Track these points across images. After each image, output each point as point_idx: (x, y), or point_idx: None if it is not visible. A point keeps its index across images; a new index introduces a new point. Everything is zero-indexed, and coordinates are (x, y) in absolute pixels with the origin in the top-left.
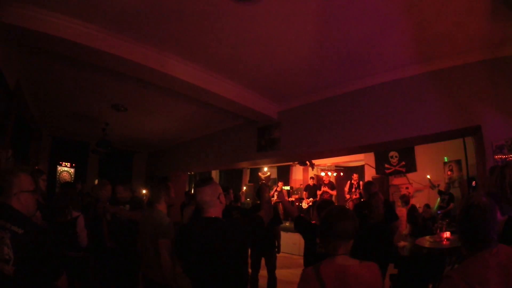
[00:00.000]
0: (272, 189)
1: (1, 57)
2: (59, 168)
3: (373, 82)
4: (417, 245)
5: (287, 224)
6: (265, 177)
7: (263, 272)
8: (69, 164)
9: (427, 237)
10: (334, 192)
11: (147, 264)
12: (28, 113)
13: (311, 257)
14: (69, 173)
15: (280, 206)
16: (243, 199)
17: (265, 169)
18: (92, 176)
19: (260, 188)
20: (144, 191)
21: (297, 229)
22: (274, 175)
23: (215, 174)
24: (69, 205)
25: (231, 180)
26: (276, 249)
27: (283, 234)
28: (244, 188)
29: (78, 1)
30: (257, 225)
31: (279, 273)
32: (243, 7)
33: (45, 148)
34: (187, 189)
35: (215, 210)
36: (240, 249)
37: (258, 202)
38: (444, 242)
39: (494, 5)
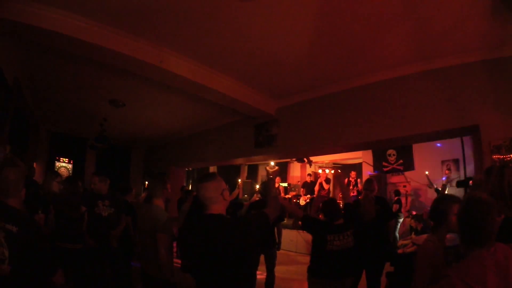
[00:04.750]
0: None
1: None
2: (57, 164)
3: (372, 79)
4: None
5: (285, 221)
6: (273, 172)
7: (262, 269)
8: (67, 159)
9: (424, 235)
10: (327, 186)
11: (146, 259)
12: (27, 108)
13: (322, 253)
14: (67, 169)
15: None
16: (240, 195)
17: (272, 163)
18: (90, 171)
19: (267, 183)
20: (146, 183)
21: (306, 228)
22: None
23: (212, 170)
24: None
25: (229, 176)
26: (277, 246)
27: None
28: (240, 180)
29: None
30: (262, 222)
31: (276, 269)
32: (240, 3)
33: (43, 143)
34: (184, 184)
35: (218, 207)
36: (245, 247)
37: (260, 198)
38: None
39: (493, 5)
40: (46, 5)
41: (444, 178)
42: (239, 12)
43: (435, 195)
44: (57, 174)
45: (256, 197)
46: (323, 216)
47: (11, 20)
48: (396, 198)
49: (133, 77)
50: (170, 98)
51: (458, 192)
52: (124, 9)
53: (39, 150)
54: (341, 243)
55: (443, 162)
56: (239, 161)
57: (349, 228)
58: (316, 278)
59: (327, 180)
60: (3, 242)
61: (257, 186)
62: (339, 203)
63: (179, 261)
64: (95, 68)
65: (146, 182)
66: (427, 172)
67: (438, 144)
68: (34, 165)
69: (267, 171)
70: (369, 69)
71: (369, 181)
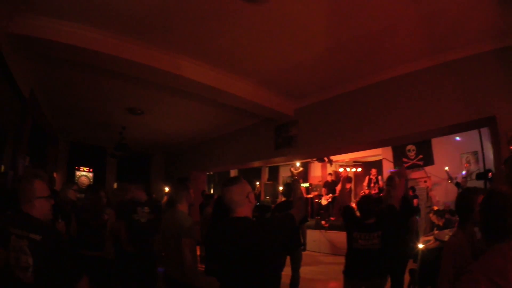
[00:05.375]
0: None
1: (15, 67)
2: (78, 173)
3: (387, 76)
4: None
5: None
6: (298, 173)
7: (287, 270)
8: (87, 168)
9: (447, 231)
10: (349, 185)
11: (170, 264)
12: (44, 120)
13: (350, 251)
14: (88, 178)
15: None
16: (262, 196)
17: (298, 163)
18: (111, 179)
19: (292, 184)
20: (166, 189)
21: (343, 218)
22: None
23: (233, 173)
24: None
25: (250, 179)
26: (302, 247)
27: None
28: (258, 183)
29: (89, 9)
30: (288, 224)
31: (300, 270)
32: (253, 7)
33: (63, 153)
34: (205, 189)
35: (244, 210)
36: (271, 248)
37: (284, 199)
38: None
39: None
40: (59, 19)
41: (463, 173)
42: (253, 16)
43: (455, 189)
44: (73, 182)
45: (282, 198)
46: (358, 213)
47: (24, 36)
48: (413, 194)
49: (150, 85)
50: (188, 103)
51: (478, 184)
52: (137, 19)
53: (59, 160)
54: (365, 242)
55: (462, 155)
56: (259, 163)
57: (379, 229)
58: (347, 279)
59: (349, 179)
60: (27, 251)
61: (280, 188)
62: (373, 202)
63: (203, 265)
64: (112, 77)
65: (166, 188)
66: (446, 168)
67: (457, 138)
68: (54, 175)
69: (292, 172)
70: (384, 65)
71: (391, 177)
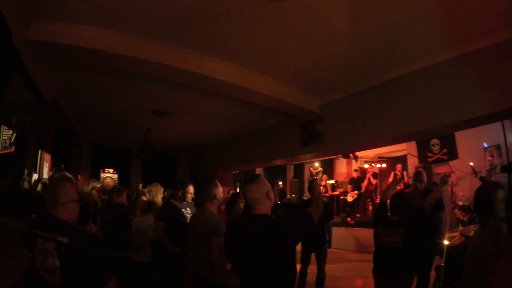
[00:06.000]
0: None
1: (36, 74)
2: (102, 175)
3: (410, 69)
4: None
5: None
6: (317, 172)
7: (313, 267)
8: (112, 170)
9: (472, 226)
10: (375, 181)
11: (198, 263)
12: (67, 124)
13: (375, 247)
14: (113, 179)
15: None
16: (288, 194)
17: (316, 164)
18: (136, 180)
19: (311, 184)
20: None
21: (376, 213)
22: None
23: (259, 171)
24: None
25: (275, 176)
26: (328, 244)
27: None
28: (280, 182)
29: (109, 12)
30: (305, 222)
31: (326, 268)
32: (276, 4)
33: (87, 156)
34: (231, 187)
35: (263, 207)
36: (288, 245)
37: (310, 196)
38: None
39: None
40: (78, 23)
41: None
42: (276, 14)
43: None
44: (97, 182)
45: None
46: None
47: (42, 42)
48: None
49: (175, 86)
50: (213, 103)
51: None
52: (159, 20)
53: (83, 162)
54: (387, 239)
55: (485, 149)
56: (285, 161)
57: (401, 228)
58: (374, 277)
59: (375, 175)
60: (54, 253)
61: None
62: (405, 200)
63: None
64: (135, 79)
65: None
66: (471, 163)
67: (485, 145)
68: (79, 177)
69: (311, 172)
70: (406, 59)
71: (418, 172)
